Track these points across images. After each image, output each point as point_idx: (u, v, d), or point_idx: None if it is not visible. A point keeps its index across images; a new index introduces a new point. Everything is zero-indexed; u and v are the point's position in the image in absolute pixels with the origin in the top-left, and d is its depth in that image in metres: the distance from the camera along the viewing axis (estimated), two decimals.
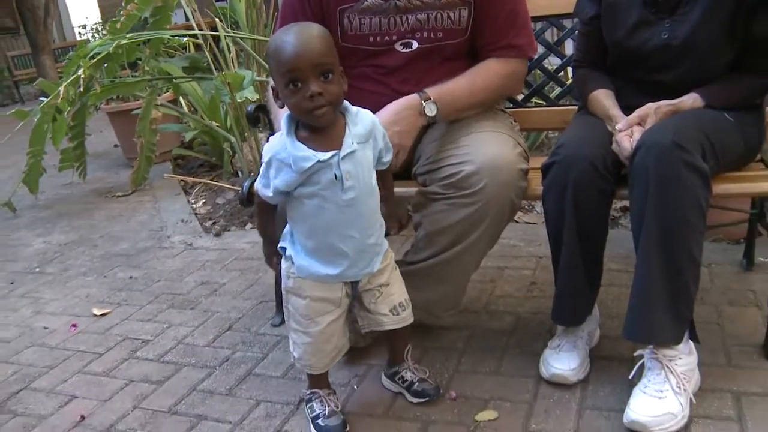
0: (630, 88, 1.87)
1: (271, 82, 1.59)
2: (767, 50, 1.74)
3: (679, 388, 1.61)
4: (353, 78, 1.88)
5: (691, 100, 1.74)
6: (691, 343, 1.70)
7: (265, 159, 1.52)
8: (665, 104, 1.72)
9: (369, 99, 1.83)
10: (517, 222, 2.78)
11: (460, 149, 1.76)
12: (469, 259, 1.83)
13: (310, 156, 1.47)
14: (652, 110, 1.71)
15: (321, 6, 1.90)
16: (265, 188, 1.55)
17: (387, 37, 1.89)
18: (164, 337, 2.36)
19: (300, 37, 1.43)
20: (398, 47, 1.90)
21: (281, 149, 1.49)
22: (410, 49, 1.89)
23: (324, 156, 1.47)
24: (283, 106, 1.53)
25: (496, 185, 1.70)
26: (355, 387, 1.91)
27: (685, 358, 1.66)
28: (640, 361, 1.69)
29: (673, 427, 1.57)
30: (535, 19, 2.26)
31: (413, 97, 1.79)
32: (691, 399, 1.63)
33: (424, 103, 1.79)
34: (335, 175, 1.48)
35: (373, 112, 1.67)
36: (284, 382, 1.99)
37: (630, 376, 1.71)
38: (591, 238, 1.73)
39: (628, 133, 1.69)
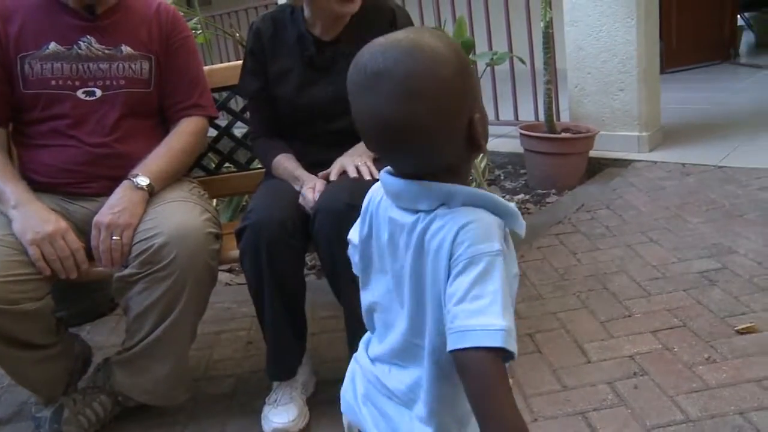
0: (312, 146, 2.00)
1: None
2: None
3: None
4: (42, 136, 1.92)
5: (363, 146, 1.89)
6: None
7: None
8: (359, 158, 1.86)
9: (60, 155, 1.89)
10: (230, 284, 2.83)
11: (148, 223, 1.79)
12: (181, 331, 1.83)
13: None
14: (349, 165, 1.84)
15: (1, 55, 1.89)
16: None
17: (69, 82, 1.91)
18: None
19: None
20: (81, 95, 1.92)
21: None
22: (94, 97, 1.93)
23: None
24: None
25: (188, 253, 1.74)
26: None
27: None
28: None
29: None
30: (220, 89, 2.36)
31: (123, 182, 1.85)
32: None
33: (134, 180, 1.84)
34: None
35: (67, 168, 1.83)
36: None
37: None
38: (290, 294, 1.84)
39: (311, 185, 1.83)
